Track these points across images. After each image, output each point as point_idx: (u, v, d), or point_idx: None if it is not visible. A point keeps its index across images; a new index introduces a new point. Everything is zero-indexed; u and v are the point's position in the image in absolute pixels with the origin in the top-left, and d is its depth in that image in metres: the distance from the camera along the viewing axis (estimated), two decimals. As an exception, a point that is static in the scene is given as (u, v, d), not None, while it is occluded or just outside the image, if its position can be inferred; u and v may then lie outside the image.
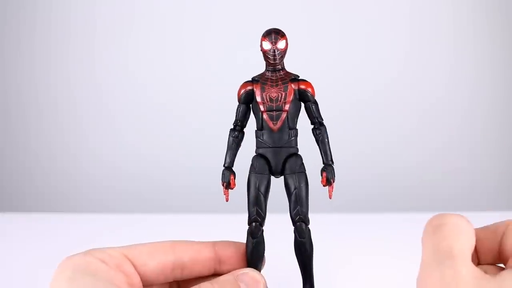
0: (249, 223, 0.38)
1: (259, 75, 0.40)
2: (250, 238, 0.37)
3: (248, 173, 0.39)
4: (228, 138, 0.40)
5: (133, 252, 0.34)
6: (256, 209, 0.37)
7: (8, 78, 1.05)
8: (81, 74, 1.05)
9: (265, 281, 0.34)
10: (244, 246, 0.38)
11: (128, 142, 1.05)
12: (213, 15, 1.02)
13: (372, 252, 0.62)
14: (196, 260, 0.36)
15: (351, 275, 0.55)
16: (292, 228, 0.39)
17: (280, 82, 0.39)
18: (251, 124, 0.41)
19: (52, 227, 0.76)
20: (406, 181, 1.02)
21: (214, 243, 0.37)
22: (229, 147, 0.40)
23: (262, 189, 0.38)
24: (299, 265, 0.39)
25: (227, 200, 0.39)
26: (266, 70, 0.40)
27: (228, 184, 0.39)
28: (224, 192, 0.39)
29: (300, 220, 0.38)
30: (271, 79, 0.39)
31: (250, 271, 0.34)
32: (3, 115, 1.06)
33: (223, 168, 0.39)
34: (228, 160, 0.39)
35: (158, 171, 1.04)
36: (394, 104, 1.04)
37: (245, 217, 0.38)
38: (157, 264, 0.34)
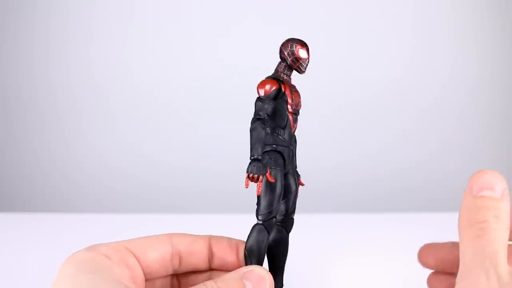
0: (270, 219, 0.37)
1: (278, 76, 0.40)
2: (266, 233, 0.37)
3: (270, 168, 0.37)
4: (259, 130, 0.37)
5: (135, 245, 0.35)
6: (278, 205, 0.38)
7: (8, 78, 1.05)
8: (81, 74, 1.05)
9: (272, 279, 0.34)
10: (236, 242, 0.38)
11: (128, 143, 1.05)
12: (213, 15, 1.02)
13: (372, 252, 0.62)
14: (192, 251, 0.37)
15: (351, 275, 0.55)
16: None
17: (296, 89, 0.41)
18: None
19: (52, 227, 0.76)
20: (406, 181, 1.02)
21: (210, 236, 0.38)
22: (260, 139, 0.37)
23: (282, 184, 0.38)
24: (276, 261, 0.40)
25: (247, 187, 0.37)
26: (283, 73, 0.41)
27: (258, 177, 0.36)
28: (248, 184, 0.36)
29: (291, 216, 0.40)
30: (291, 84, 0.41)
31: (256, 269, 0.34)
32: (3, 115, 1.06)
33: (253, 159, 0.36)
34: (261, 151, 0.37)
35: (158, 171, 1.04)
36: (394, 104, 1.04)
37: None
38: (157, 255, 0.35)
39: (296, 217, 0.39)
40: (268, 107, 0.38)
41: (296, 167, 0.41)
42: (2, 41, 1.04)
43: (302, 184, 0.41)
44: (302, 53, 0.41)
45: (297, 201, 0.40)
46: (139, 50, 1.04)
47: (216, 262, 0.37)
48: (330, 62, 1.01)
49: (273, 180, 0.37)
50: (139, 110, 1.04)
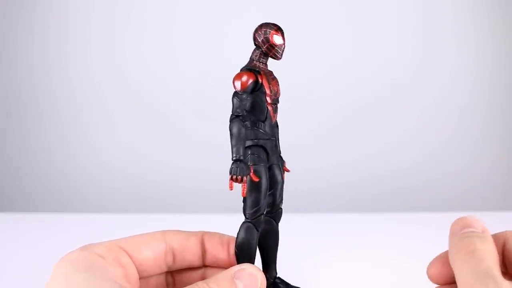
0: (258, 216, 0.37)
1: (254, 65, 0.39)
2: (255, 231, 0.37)
3: (252, 164, 0.37)
4: (238, 128, 0.36)
5: (128, 243, 0.35)
6: (266, 201, 0.37)
7: (8, 78, 1.05)
8: (81, 74, 1.05)
9: (264, 277, 0.34)
10: (227, 238, 0.38)
11: (128, 143, 1.05)
12: (213, 15, 1.02)
13: (372, 252, 0.62)
14: (185, 248, 0.37)
15: (351, 275, 0.55)
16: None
17: (274, 76, 0.39)
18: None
19: (52, 227, 0.76)
20: (406, 181, 1.02)
21: (203, 233, 0.38)
22: (241, 138, 0.36)
23: (267, 179, 0.38)
24: (269, 253, 0.40)
25: (231, 189, 0.36)
26: (259, 62, 0.39)
27: (242, 178, 0.35)
28: (232, 186, 0.35)
29: (278, 207, 0.39)
30: (269, 72, 0.39)
31: (248, 267, 0.33)
32: (3, 115, 1.06)
33: (235, 159, 0.35)
34: (242, 151, 0.35)
35: (158, 171, 1.04)
36: (394, 104, 1.04)
37: (244, 217, 0.38)
38: (151, 253, 0.35)
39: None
40: (246, 102, 0.37)
41: (279, 153, 0.39)
42: (1, 41, 1.04)
43: (288, 170, 0.40)
44: (276, 39, 0.38)
45: (283, 190, 0.39)
46: (140, 50, 1.04)
47: (208, 259, 0.37)
48: (331, 63, 1.01)
49: (257, 180, 0.36)
50: (139, 110, 1.04)
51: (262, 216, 0.37)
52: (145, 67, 1.04)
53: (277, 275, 0.40)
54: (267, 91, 0.38)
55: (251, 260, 0.37)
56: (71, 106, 1.05)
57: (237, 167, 0.35)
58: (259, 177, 0.36)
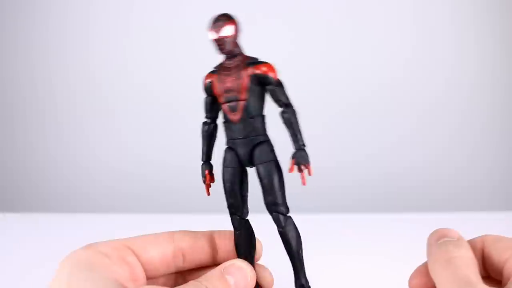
0: (231, 214, 0.37)
1: (219, 63, 0.38)
2: (234, 229, 0.37)
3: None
4: (202, 134, 0.39)
5: (135, 243, 0.35)
6: (231, 202, 0.37)
7: (7, 78, 1.05)
8: (81, 74, 1.05)
9: (252, 269, 0.34)
10: None
11: (128, 143, 1.05)
12: (213, 15, 1.01)
13: (372, 252, 0.62)
14: (194, 248, 0.37)
15: (351, 275, 0.55)
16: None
17: (234, 70, 0.36)
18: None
19: (52, 227, 0.76)
20: (406, 181, 1.02)
21: (212, 232, 0.38)
22: (202, 142, 0.39)
23: (235, 181, 0.37)
24: (290, 259, 0.37)
25: (208, 195, 0.38)
26: (226, 58, 0.38)
27: (205, 179, 0.38)
28: (205, 187, 0.39)
29: (273, 210, 0.36)
30: (227, 67, 0.37)
31: (236, 262, 0.34)
32: (3, 115, 1.06)
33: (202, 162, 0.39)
34: (203, 154, 0.39)
35: (158, 171, 1.04)
36: (394, 104, 1.04)
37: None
38: (158, 252, 0.35)
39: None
40: (206, 105, 0.38)
41: (267, 154, 0.36)
42: (1, 41, 1.04)
43: (291, 171, 0.35)
44: (209, 35, 0.38)
45: (280, 192, 0.36)
46: (140, 50, 1.04)
47: (222, 256, 0.37)
48: (331, 62, 1.01)
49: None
50: (140, 110, 1.04)
51: (236, 216, 0.37)
52: (145, 67, 1.04)
53: (303, 284, 0.37)
54: (216, 92, 0.37)
55: (241, 256, 0.37)
56: (71, 106, 1.05)
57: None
58: (222, 179, 0.37)
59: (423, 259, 0.33)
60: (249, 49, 0.40)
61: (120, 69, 1.04)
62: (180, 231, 0.37)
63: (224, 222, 0.39)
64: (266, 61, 0.36)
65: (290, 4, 1.01)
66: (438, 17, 1.03)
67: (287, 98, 0.36)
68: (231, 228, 0.37)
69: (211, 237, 0.38)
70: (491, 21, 1.03)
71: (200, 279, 0.32)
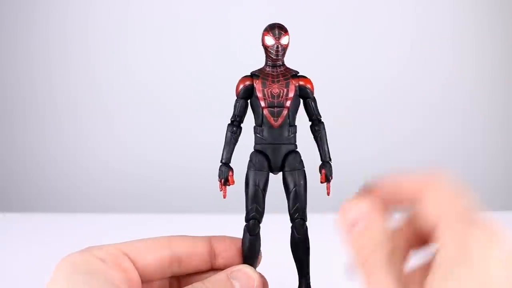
0: (247, 220, 0.37)
1: (258, 70, 0.39)
2: (248, 235, 0.37)
3: (246, 169, 0.38)
4: (226, 134, 0.39)
5: (131, 248, 0.35)
6: (256, 207, 0.37)
7: (7, 78, 1.05)
8: (81, 74, 1.05)
9: (260, 277, 0.34)
10: (240, 241, 0.38)
11: (128, 142, 1.05)
12: (214, 14, 1.01)
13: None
14: (192, 254, 0.36)
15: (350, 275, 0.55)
16: (288, 226, 0.39)
17: (281, 78, 0.39)
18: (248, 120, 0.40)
19: (52, 227, 0.76)
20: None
21: (210, 237, 0.37)
22: (227, 143, 0.39)
23: (261, 185, 0.37)
24: (296, 262, 0.39)
25: (224, 197, 0.38)
26: (266, 65, 0.39)
27: (225, 180, 0.38)
28: (221, 188, 0.38)
29: (299, 217, 0.38)
30: (272, 74, 0.39)
31: (244, 268, 0.34)
32: (3, 115, 1.06)
33: (220, 164, 0.39)
34: (226, 156, 0.39)
35: (158, 171, 1.04)
36: (394, 104, 1.04)
37: (243, 217, 0.38)
38: (154, 258, 0.35)
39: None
40: (239, 107, 0.39)
41: (298, 163, 0.38)
42: (1, 41, 1.04)
43: (322, 182, 0.38)
44: (267, 40, 0.38)
45: (305, 200, 0.38)
46: (140, 50, 1.03)
47: (221, 262, 0.37)
48: (331, 62, 1.01)
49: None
50: (140, 110, 1.04)
51: (256, 221, 0.37)
52: (145, 67, 1.04)
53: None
54: (259, 95, 0.38)
55: (248, 262, 0.37)
56: (70, 106, 1.05)
57: (220, 171, 0.38)
58: (247, 181, 0.38)
59: (423, 259, 0.33)
60: (251, 50, 0.40)
61: (120, 69, 1.04)
62: (178, 236, 0.37)
63: (224, 222, 0.39)
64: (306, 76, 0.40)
65: (290, 4, 1.01)
66: (439, 17, 1.03)
67: (319, 113, 0.40)
68: (230, 230, 0.38)
69: (209, 242, 0.37)
70: (491, 21, 1.03)
71: (205, 281, 0.32)
